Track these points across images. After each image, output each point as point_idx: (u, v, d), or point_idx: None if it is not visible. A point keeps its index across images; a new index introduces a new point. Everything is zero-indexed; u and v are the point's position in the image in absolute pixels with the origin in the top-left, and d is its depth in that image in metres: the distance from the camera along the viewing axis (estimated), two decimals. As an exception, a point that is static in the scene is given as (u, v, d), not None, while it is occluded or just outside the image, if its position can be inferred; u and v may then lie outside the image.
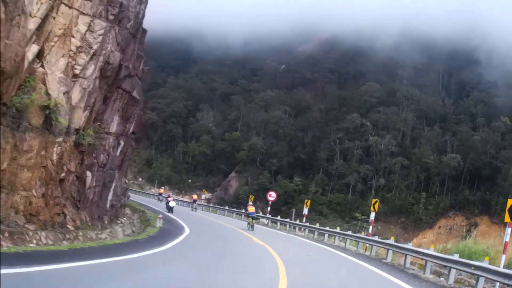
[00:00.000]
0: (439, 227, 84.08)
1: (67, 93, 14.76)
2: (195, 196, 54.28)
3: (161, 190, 64.18)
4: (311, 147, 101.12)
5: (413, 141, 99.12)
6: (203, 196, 52.52)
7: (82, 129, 16.06)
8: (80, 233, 15.29)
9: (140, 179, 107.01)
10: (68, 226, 14.97)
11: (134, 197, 46.12)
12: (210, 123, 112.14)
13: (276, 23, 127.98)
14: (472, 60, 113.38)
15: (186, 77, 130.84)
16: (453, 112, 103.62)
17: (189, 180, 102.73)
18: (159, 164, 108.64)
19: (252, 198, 46.80)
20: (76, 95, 15.29)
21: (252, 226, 29.76)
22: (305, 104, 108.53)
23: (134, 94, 21.47)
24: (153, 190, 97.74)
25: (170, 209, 38.46)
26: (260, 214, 45.53)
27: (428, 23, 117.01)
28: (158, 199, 58.33)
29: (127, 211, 28.20)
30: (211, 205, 63.53)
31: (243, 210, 43.00)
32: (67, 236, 14.31)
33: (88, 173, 17.27)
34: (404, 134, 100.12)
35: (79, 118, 15.74)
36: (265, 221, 42.46)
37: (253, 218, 30.36)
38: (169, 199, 41.01)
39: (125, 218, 24.93)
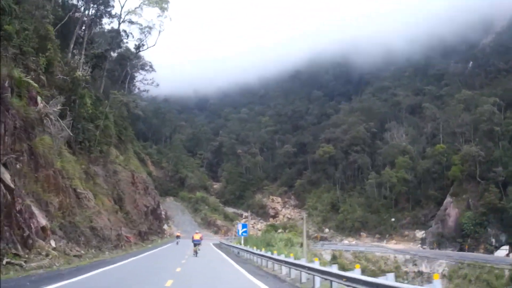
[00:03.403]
0: None
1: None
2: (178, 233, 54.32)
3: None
4: (541, 141, 78.75)
5: None
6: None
7: None
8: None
9: (326, 229, 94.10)
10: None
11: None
12: (403, 141, 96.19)
13: (442, 22, 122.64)
14: None
15: (361, 99, 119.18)
16: None
17: (392, 219, 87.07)
18: (348, 206, 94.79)
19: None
20: None
21: (196, 253, 31.70)
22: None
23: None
24: (345, 242, 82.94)
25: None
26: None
27: None
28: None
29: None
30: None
31: None
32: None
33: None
34: None
35: None
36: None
37: (195, 245, 32.21)
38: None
39: None
